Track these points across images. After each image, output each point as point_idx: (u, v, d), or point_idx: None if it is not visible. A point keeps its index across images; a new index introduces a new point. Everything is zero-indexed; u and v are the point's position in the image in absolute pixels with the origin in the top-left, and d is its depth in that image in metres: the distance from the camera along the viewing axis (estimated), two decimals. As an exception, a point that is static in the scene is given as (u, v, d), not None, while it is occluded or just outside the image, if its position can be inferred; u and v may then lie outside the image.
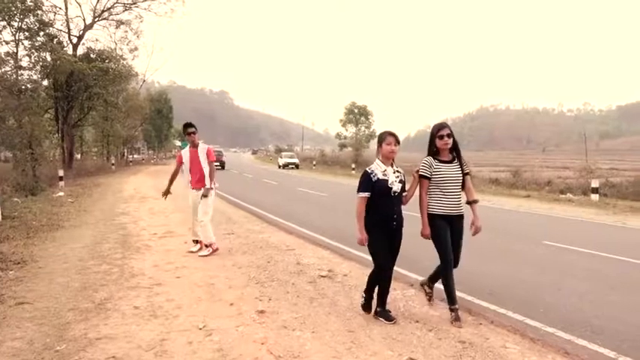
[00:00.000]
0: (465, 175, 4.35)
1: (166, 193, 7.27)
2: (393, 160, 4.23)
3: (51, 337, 3.73)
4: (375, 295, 4.40)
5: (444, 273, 4.37)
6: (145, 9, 30.15)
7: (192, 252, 7.00)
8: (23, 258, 6.27)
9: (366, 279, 5.66)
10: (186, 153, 6.96)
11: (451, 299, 4.32)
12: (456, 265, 4.38)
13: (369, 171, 4.19)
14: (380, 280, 4.28)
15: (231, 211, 11.82)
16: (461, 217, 4.34)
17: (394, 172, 4.16)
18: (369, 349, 3.66)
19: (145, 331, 3.88)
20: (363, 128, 53.13)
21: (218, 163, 31.49)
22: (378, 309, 4.35)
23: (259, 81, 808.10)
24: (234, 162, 56.53)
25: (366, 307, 4.45)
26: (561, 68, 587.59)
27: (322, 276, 5.79)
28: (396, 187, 4.12)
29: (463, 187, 4.35)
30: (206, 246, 6.97)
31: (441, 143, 4.29)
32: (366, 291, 4.45)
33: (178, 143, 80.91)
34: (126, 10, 29.85)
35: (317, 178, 28.68)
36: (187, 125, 6.92)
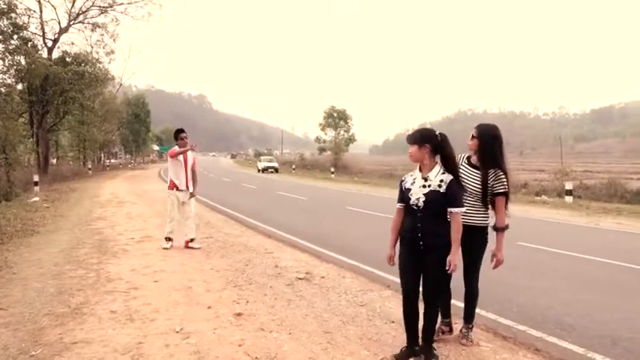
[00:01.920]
0: (494, 194, 3.63)
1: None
2: (423, 165, 3.34)
3: (26, 342, 3.69)
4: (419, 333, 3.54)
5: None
6: (122, 12, 29.91)
7: (165, 248, 7.49)
8: (-4, 264, 6.17)
9: (343, 281, 5.80)
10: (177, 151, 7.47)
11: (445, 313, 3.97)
12: (473, 295, 3.85)
13: (403, 178, 3.53)
14: (405, 309, 3.51)
15: (209, 215, 11.79)
16: (473, 228, 3.64)
17: (426, 181, 3.29)
18: (346, 349, 3.71)
19: (121, 335, 3.87)
20: (342, 132, 53.31)
21: None
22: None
23: (238, 85, 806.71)
24: (213, 166, 56.19)
25: (402, 357, 3.50)
26: (537, 72, 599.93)
27: (300, 278, 5.83)
28: (416, 199, 3.27)
29: (491, 204, 3.69)
30: (194, 239, 7.70)
31: (469, 144, 3.77)
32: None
33: (156, 148, 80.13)
34: (102, 13, 29.56)
35: (296, 181, 28.72)
36: (180, 130, 7.62)
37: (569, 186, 16.73)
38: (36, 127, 26.68)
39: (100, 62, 29.75)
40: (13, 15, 22.36)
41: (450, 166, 3.30)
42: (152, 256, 6.93)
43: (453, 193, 3.23)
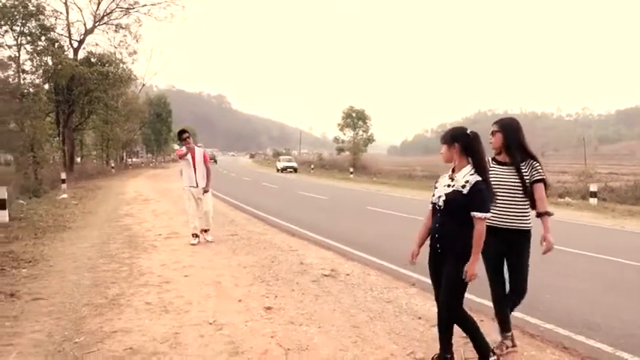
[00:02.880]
0: (533, 182, 3.52)
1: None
2: (455, 165, 3.20)
3: (69, 330, 3.88)
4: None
5: (492, 297, 3.75)
6: (145, 13, 30.44)
7: (193, 244, 7.71)
8: (34, 257, 6.43)
9: (368, 278, 5.89)
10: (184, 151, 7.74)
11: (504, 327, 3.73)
12: (518, 295, 3.67)
13: (438, 178, 3.41)
14: (437, 314, 3.41)
15: (232, 214, 11.98)
16: (514, 232, 3.51)
17: (452, 180, 3.17)
18: (374, 343, 3.82)
19: (157, 325, 4.03)
20: (360, 132, 53.23)
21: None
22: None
23: (257, 85, 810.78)
24: (233, 166, 56.69)
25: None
26: (560, 72, 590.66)
27: (325, 275, 5.95)
28: (437, 198, 3.21)
29: (530, 196, 3.55)
30: (206, 230, 8.06)
31: (491, 141, 3.65)
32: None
33: (177, 147, 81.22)
34: (125, 14, 30.12)
35: (315, 181, 28.86)
36: (182, 132, 7.90)
37: (593, 188, 16.53)
38: (62, 126, 27.32)
39: (124, 63, 30.31)
40: (41, 17, 22.98)
41: (478, 166, 3.11)
42: (180, 252, 7.12)
43: (477, 196, 3.00)
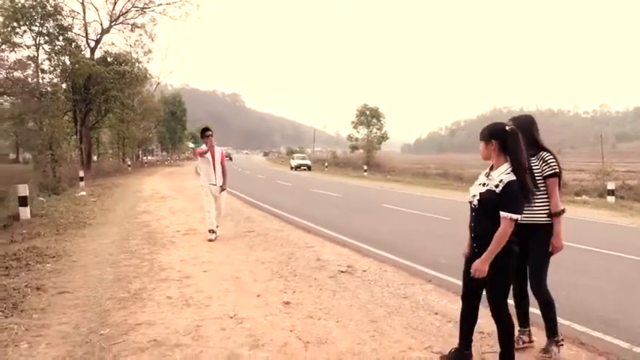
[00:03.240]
0: (545, 177, 3.46)
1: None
2: (494, 163, 3.09)
3: (94, 322, 4.01)
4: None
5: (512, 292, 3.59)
6: (160, 13, 30.76)
7: (211, 240, 7.88)
8: (57, 252, 6.60)
9: (385, 274, 5.95)
10: (204, 149, 7.93)
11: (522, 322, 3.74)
12: (533, 290, 3.57)
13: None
14: (461, 310, 3.46)
15: (248, 211, 12.10)
16: (525, 226, 3.35)
17: (488, 178, 3.07)
18: (392, 337, 3.88)
19: (180, 319, 4.14)
20: (374, 130, 53.07)
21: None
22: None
23: (271, 84, 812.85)
24: (247, 164, 57.04)
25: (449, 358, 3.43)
26: (577, 69, 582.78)
27: (342, 271, 6.02)
28: (472, 197, 3.15)
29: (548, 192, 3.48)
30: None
31: None
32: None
33: (191, 145, 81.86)
34: (141, 14, 30.47)
35: (329, 179, 28.93)
36: (206, 129, 8.05)
37: (611, 186, 16.36)
38: (79, 124, 27.76)
39: (139, 62, 30.68)
40: (59, 17, 23.36)
41: (515, 165, 2.96)
42: (199, 248, 7.25)
43: (508, 196, 2.90)
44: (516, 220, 2.90)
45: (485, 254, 2.95)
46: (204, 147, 7.92)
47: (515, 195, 2.90)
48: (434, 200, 16.97)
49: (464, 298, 3.40)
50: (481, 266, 2.97)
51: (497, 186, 2.95)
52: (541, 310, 3.59)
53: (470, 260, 3.15)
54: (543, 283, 3.52)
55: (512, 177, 2.92)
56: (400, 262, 6.68)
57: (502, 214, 2.90)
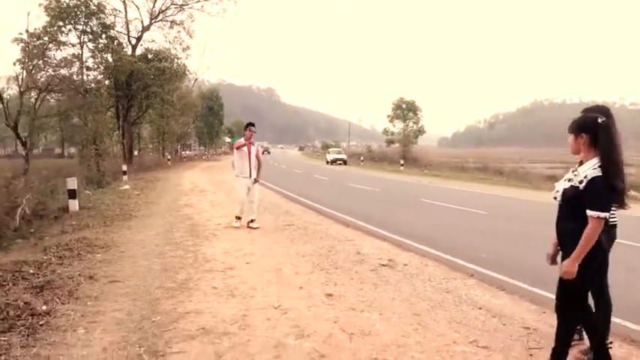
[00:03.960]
0: None
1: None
2: (583, 157, 2.94)
3: (145, 310, 4.17)
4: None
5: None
6: (198, 9, 31.25)
7: (235, 227, 8.45)
8: (106, 243, 6.87)
9: (426, 269, 5.94)
10: (242, 144, 8.37)
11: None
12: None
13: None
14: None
15: (287, 205, 12.23)
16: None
17: (574, 173, 2.92)
18: (435, 330, 3.89)
19: (226, 308, 4.26)
20: (411, 124, 52.45)
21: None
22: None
23: (306, 78, 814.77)
24: (283, 158, 57.43)
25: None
26: (623, 59, 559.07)
27: (383, 265, 6.04)
28: (556, 192, 3.02)
29: None
30: (254, 220, 8.61)
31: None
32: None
33: (228, 140, 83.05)
34: (179, 10, 31.02)
35: (366, 173, 28.85)
36: (250, 124, 8.53)
37: (661, 180, 15.71)
38: (121, 120, 28.56)
39: (178, 58, 31.24)
40: (102, 15, 24.09)
41: (604, 161, 2.78)
42: (240, 241, 7.39)
43: (592, 193, 2.75)
44: (604, 218, 2.73)
45: (573, 254, 2.79)
46: (242, 140, 8.32)
47: (599, 192, 2.74)
48: (472, 195, 16.72)
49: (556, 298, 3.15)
50: (570, 267, 2.80)
51: (581, 182, 2.80)
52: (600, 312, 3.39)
53: (562, 259, 2.97)
54: (605, 282, 3.36)
55: (598, 173, 2.75)
56: (441, 256, 6.65)
57: (589, 212, 2.73)
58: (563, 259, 2.91)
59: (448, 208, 12.21)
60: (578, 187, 2.81)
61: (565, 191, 2.91)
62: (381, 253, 6.69)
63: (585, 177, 2.78)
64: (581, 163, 2.94)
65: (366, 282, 5.25)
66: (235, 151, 8.60)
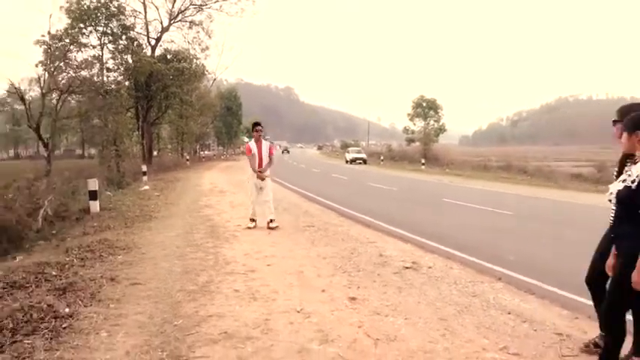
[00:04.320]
0: None
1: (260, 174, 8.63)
2: (637, 156, 2.82)
3: (167, 313, 4.17)
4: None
5: None
6: (217, 9, 31.49)
7: (250, 228, 8.52)
8: (127, 245, 6.92)
9: (451, 271, 5.83)
10: (253, 145, 8.52)
11: None
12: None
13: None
14: None
15: (306, 205, 12.21)
16: None
17: (627, 173, 2.82)
18: (464, 336, 3.79)
19: (248, 312, 4.23)
20: (432, 122, 52.05)
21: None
22: None
23: (324, 76, 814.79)
24: (301, 158, 57.51)
25: None
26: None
27: (407, 267, 5.95)
28: (609, 194, 2.93)
29: None
30: (273, 220, 8.58)
31: (616, 133, 3.20)
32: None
33: (246, 139, 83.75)
34: (198, 11, 31.29)
35: (386, 173, 28.69)
36: (256, 124, 8.58)
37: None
38: (141, 120, 28.95)
39: (197, 58, 31.52)
40: (122, 17, 24.43)
41: None
42: (261, 242, 7.38)
43: None
44: None
45: (638, 263, 2.63)
46: (252, 145, 8.49)
47: None
48: (496, 194, 16.48)
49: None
50: (639, 277, 2.65)
51: (633, 182, 2.70)
52: (634, 321, 3.23)
53: (615, 265, 2.88)
54: None
55: None
56: (466, 258, 6.53)
57: None
58: (619, 265, 2.80)
59: (471, 208, 12.04)
60: (630, 186, 2.71)
61: (619, 192, 2.80)
62: (404, 255, 6.61)
63: (638, 176, 2.68)
64: (633, 162, 2.83)
65: (390, 285, 5.17)
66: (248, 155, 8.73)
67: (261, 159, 8.49)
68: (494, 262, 6.25)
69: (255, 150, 8.48)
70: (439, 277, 5.56)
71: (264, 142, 8.59)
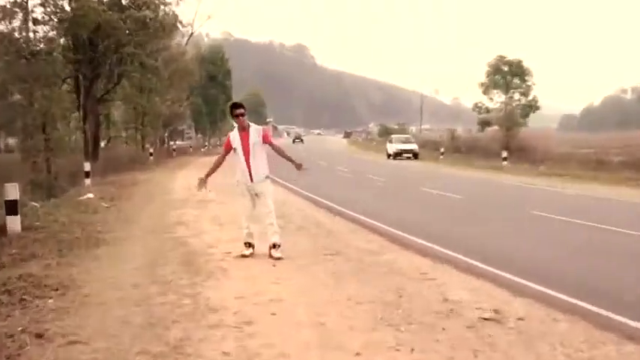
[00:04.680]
0: None
1: (202, 183, 9.02)
2: None
3: (120, 392, 4.11)
4: None
5: None
6: None
7: (245, 256, 8.53)
8: (62, 282, 6.92)
9: (555, 326, 5.69)
10: (235, 137, 8.54)
11: None
12: None
13: None
14: None
15: (329, 223, 12.19)
16: None
17: None
18: None
19: (243, 390, 4.16)
20: (517, 95, 51.64)
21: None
22: None
23: (352, 32, 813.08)
24: (319, 149, 57.68)
25: None
26: None
27: (485, 319, 5.83)
28: None
29: None
30: (277, 245, 8.47)
31: None
32: None
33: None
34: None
35: (449, 173, 28.63)
36: (235, 106, 8.77)
37: None
38: (83, 96, 29.23)
39: (166, 4, 31.74)
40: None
41: None
42: (261, 279, 7.34)
43: None
44: None
45: None
46: (234, 137, 8.53)
47: None
48: (616, 204, 16.23)
49: None
50: None
51: None
52: None
53: None
54: None
55: None
56: (579, 305, 6.37)
57: None
58: None
59: (581, 225, 11.90)
60: None
61: None
62: (480, 300, 6.50)
63: None
64: None
65: (461, 347, 5.06)
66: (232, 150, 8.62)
67: (248, 156, 8.37)
68: (623, 312, 6.04)
69: (237, 144, 8.43)
70: (535, 334, 5.43)
71: (251, 129, 8.50)
